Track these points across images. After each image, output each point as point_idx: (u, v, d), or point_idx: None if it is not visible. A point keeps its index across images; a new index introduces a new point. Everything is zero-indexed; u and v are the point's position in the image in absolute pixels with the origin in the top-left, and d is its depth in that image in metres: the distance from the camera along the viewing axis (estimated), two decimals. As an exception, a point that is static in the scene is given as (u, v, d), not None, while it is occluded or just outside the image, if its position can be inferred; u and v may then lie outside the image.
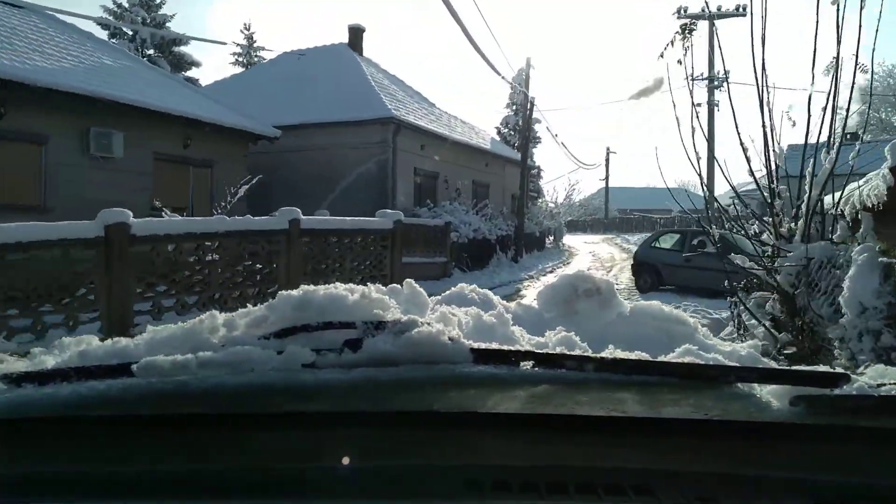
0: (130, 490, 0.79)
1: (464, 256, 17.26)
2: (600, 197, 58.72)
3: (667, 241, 15.13)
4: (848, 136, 5.45)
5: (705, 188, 6.73)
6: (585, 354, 1.19)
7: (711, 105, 24.29)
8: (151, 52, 29.01)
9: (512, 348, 1.19)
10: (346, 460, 0.81)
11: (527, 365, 1.09)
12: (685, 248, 13.91)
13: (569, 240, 34.21)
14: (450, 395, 0.98)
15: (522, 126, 23.88)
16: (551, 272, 16.18)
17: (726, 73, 7.42)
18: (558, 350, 1.33)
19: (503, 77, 20.74)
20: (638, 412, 0.92)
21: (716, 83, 24.06)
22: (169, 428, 0.91)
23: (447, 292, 1.95)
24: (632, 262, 15.73)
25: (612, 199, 57.12)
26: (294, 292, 1.36)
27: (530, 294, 13.01)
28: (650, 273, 14.56)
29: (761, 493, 0.78)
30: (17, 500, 0.77)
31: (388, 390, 1.00)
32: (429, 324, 1.20)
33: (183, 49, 30.96)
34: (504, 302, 1.95)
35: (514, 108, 28.60)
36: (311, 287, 1.38)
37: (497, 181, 24.22)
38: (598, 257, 25.99)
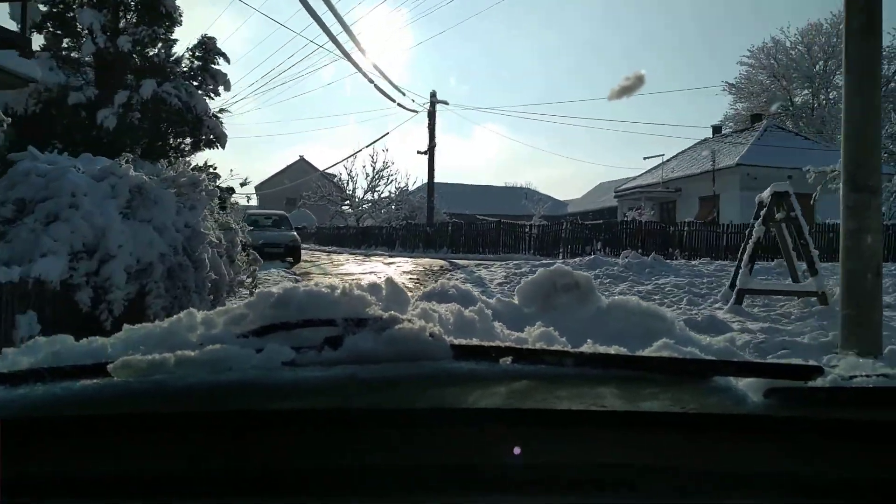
0: (107, 491, 0.78)
1: None
2: (422, 192, 34.93)
3: None
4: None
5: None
6: (565, 349, 1.20)
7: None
8: None
9: (492, 344, 1.20)
10: (327, 459, 0.81)
11: (507, 360, 1.10)
12: None
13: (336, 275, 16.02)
14: (431, 391, 0.99)
15: None
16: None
17: None
18: (538, 345, 1.34)
19: None
20: (617, 406, 0.93)
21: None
22: (146, 428, 0.90)
23: (428, 288, 1.96)
24: None
25: (438, 200, 32.67)
26: (274, 289, 1.35)
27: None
28: None
29: (738, 485, 0.79)
30: None
31: (369, 387, 1.00)
32: (410, 320, 1.20)
33: None
34: (484, 297, 1.96)
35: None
36: (291, 284, 1.37)
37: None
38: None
